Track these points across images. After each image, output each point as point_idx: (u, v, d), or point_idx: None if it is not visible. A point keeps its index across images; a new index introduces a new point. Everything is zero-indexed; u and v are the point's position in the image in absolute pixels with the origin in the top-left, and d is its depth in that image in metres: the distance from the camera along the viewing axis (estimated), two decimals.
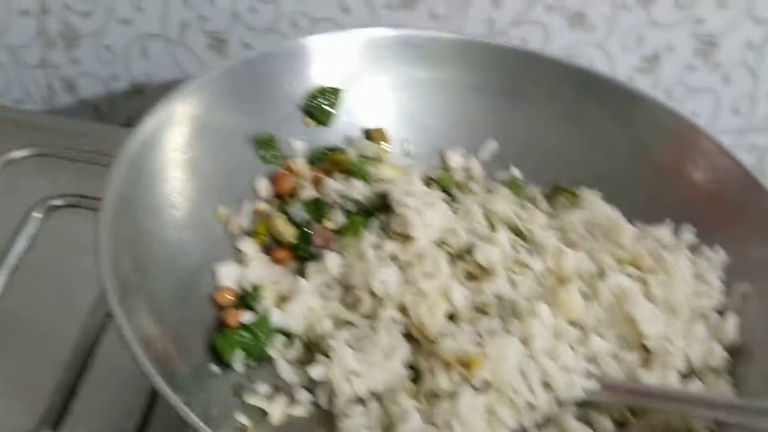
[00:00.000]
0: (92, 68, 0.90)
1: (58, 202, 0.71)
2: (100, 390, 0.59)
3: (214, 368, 0.53)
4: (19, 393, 0.58)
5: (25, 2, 0.85)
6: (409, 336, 0.58)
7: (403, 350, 0.56)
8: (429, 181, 0.68)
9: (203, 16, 0.84)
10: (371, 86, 0.68)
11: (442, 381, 0.53)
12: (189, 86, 0.58)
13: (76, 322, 0.63)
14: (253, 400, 0.52)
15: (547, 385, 0.54)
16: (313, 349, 0.57)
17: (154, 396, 0.59)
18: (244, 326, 0.55)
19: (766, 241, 0.59)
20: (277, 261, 0.61)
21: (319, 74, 0.66)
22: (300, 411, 0.54)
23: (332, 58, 0.66)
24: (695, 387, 0.55)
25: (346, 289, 0.60)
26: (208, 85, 0.59)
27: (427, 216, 0.60)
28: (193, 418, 0.42)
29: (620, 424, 0.55)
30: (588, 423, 0.54)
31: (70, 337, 0.61)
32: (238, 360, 0.54)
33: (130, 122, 0.63)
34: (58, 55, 0.89)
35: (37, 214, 0.69)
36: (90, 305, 0.64)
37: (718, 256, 0.62)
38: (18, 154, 0.75)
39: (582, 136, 0.69)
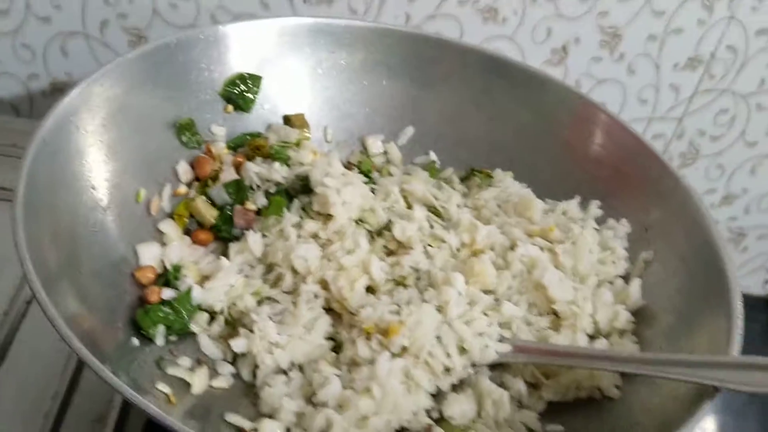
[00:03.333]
0: (10, 67, 0.89)
1: None
2: (20, 374, 0.59)
3: (136, 342, 0.54)
4: None
5: None
6: (329, 310, 0.59)
7: (324, 323, 0.58)
8: (349, 166, 0.70)
9: (123, 14, 0.84)
10: (291, 73, 0.70)
11: (362, 349, 0.55)
12: (105, 69, 0.59)
13: None
14: (174, 372, 0.53)
15: (462, 350, 0.56)
16: (235, 324, 0.58)
17: (73, 380, 0.59)
18: (165, 302, 0.56)
19: (663, 208, 0.63)
20: (199, 242, 0.62)
21: (238, 61, 0.67)
22: (222, 383, 0.54)
23: (251, 45, 0.67)
24: (601, 345, 0.58)
25: (268, 268, 0.61)
26: (124, 68, 0.60)
27: (346, 194, 0.62)
28: (120, 384, 0.43)
29: (533, 385, 0.58)
30: (502, 385, 0.57)
31: None
32: (160, 334, 0.55)
33: None
34: None
35: None
36: (10, 292, 0.64)
37: (622, 227, 0.65)
38: None
39: (493, 119, 0.72)
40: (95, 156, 0.58)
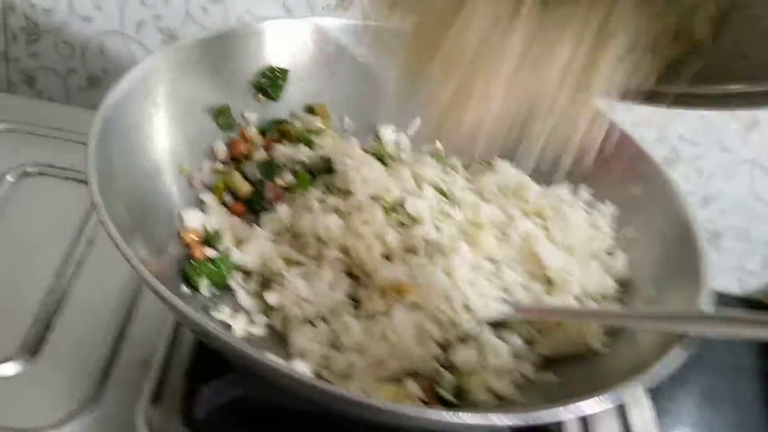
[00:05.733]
0: (51, 62, 0.97)
1: (29, 169, 0.78)
2: (74, 325, 0.66)
3: (185, 290, 0.61)
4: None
5: None
6: (350, 275, 0.67)
7: (345, 282, 0.65)
8: (364, 152, 0.78)
9: (158, 15, 0.92)
10: (315, 68, 0.78)
11: (378, 304, 0.63)
12: (156, 56, 0.67)
13: (50, 269, 0.70)
14: (218, 315, 0.61)
15: (467, 308, 0.64)
16: (267, 283, 0.65)
17: (122, 328, 0.66)
18: (208, 259, 0.63)
19: (645, 191, 0.71)
20: (234, 212, 0.70)
21: (269, 55, 0.75)
22: (257, 330, 0.62)
23: (281, 41, 0.76)
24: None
25: (295, 237, 0.69)
26: (170, 57, 0.68)
27: (364, 173, 0.70)
28: (185, 307, 0.50)
29: (528, 341, 0.65)
30: (501, 340, 0.64)
31: (44, 281, 0.69)
32: (204, 286, 0.62)
33: None
34: (18, 49, 0.96)
35: (9, 179, 0.76)
36: (61, 255, 0.71)
37: (608, 209, 0.73)
38: None
39: None
40: (147, 132, 0.65)
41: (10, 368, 0.62)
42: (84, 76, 0.98)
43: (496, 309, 0.64)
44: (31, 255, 0.71)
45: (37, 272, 0.69)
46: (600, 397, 0.51)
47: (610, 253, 0.71)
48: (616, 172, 0.73)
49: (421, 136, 0.81)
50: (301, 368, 0.58)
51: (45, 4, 0.92)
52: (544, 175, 0.76)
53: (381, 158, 0.77)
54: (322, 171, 0.73)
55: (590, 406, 0.51)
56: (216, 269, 0.63)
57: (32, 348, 0.63)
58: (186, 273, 0.62)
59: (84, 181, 0.76)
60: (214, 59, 0.72)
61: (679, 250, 0.66)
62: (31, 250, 0.71)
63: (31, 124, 0.84)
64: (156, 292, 0.51)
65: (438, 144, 0.81)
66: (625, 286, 0.69)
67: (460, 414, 0.48)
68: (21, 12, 0.92)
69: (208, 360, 0.62)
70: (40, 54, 0.96)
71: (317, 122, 0.77)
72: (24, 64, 0.97)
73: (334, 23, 0.78)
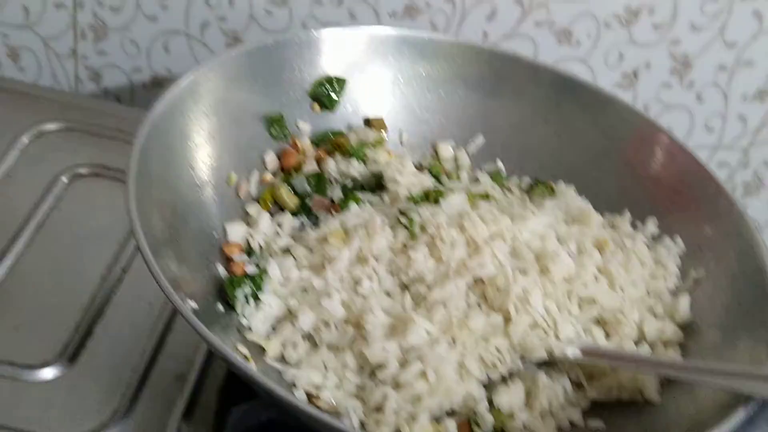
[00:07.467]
0: (117, 60, 0.97)
1: (83, 170, 0.78)
2: (114, 332, 0.66)
3: (221, 308, 0.60)
4: (41, 330, 0.65)
5: None
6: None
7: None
8: (420, 168, 0.75)
9: (223, 17, 0.91)
10: (374, 79, 0.75)
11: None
12: (210, 63, 0.66)
13: (96, 273, 0.69)
14: (252, 337, 0.59)
15: (520, 346, 0.60)
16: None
17: (159, 341, 0.65)
18: (248, 276, 0.62)
19: (718, 229, 0.66)
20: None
21: (327, 64, 0.73)
22: (293, 354, 0.59)
23: (340, 50, 0.73)
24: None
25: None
26: (226, 64, 0.67)
27: (415, 192, 0.67)
28: (212, 337, 0.49)
29: (576, 384, 0.61)
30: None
31: (89, 285, 0.68)
32: (241, 304, 0.60)
33: None
34: (87, 46, 0.96)
35: (63, 179, 0.76)
36: (108, 260, 0.71)
37: (675, 245, 0.68)
38: (49, 126, 0.82)
39: (559, 134, 0.76)
40: (195, 140, 0.64)
41: (48, 372, 0.62)
42: (149, 75, 0.98)
43: (556, 348, 0.60)
44: (78, 258, 0.71)
45: (83, 276, 0.69)
46: None
47: (673, 294, 0.66)
48: (689, 205, 0.68)
49: (481, 155, 0.78)
50: (328, 399, 0.56)
51: (113, 2, 0.92)
52: (606, 203, 0.72)
53: (437, 176, 0.75)
54: (373, 187, 0.70)
55: None
56: (254, 287, 0.61)
57: (71, 354, 0.63)
58: (225, 290, 0.60)
59: None
60: (270, 67, 0.71)
61: (751, 297, 0.61)
62: (78, 253, 0.71)
63: (90, 123, 0.83)
64: (181, 313, 0.49)
65: (499, 163, 0.77)
66: (687, 330, 0.64)
67: None
68: (90, 10, 0.93)
69: (241, 379, 0.60)
70: (107, 52, 0.96)
71: (373, 136, 0.74)
72: (91, 61, 0.97)
73: (396, 34, 0.75)
